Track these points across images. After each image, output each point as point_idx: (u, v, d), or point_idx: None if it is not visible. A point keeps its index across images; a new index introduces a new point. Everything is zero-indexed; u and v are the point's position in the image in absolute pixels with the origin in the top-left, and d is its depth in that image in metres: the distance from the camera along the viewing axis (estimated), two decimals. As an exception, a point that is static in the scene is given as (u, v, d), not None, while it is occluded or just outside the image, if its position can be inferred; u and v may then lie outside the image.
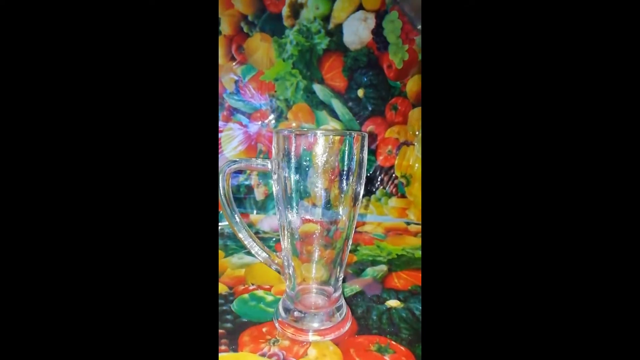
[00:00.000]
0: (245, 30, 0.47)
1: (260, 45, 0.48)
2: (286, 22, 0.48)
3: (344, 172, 0.25)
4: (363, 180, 0.26)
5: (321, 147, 0.24)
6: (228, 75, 0.48)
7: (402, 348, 0.24)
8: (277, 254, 0.28)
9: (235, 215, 0.27)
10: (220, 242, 0.43)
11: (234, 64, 0.48)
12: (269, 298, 0.30)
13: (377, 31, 0.51)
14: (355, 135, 0.24)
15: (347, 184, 0.25)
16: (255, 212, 0.50)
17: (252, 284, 0.33)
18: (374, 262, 0.39)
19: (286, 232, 0.26)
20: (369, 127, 0.53)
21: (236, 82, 0.49)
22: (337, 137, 0.24)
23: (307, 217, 0.26)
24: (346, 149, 0.24)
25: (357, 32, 0.50)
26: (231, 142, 0.49)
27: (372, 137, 0.54)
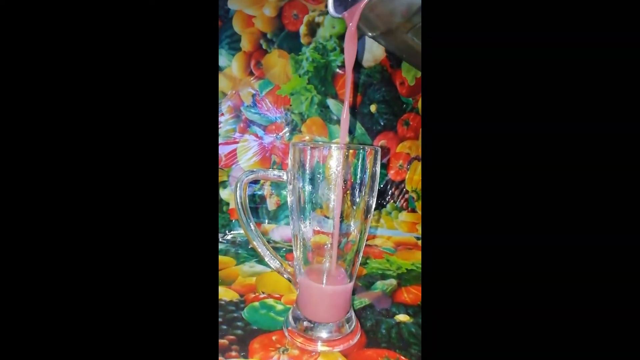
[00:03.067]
0: (264, 47, 0.50)
1: (277, 62, 0.50)
2: (303, 40, 0.50)
3: (357, 185, 0.25)
4: (375, 194, 0.26)
5: (335, 160, 0.25)
6: (246, 89, 0.50)
7: (411, 363, 0.24)
8: (289, 263, 0.29)
9: (251, 224, 0.28)
10: (232, 250, 0.44)
11: (252, 78, 0.50)
12: (279, 307, 0.31)
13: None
14: (369, 149, 0.25)
15: (359, 197, 0.25)
16: (267, 221, 0.51)
17: (263, 293, 0.33)
18: (384, 276, 0.39)
19: (299, 242, 0.27)
20: (381, 141, 0.54)
21: (253, 95, 0.50)
22: (351, 151, 0.25)
23: (319, 228, 0.27)
24: (359, 162, 0.25)
25: (371, 50, 0.52)
26: (246, 153, 0.51)
27: (384, 151, 0.55)
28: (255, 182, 0.51)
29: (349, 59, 0.28)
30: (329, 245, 0.27)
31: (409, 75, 0.53)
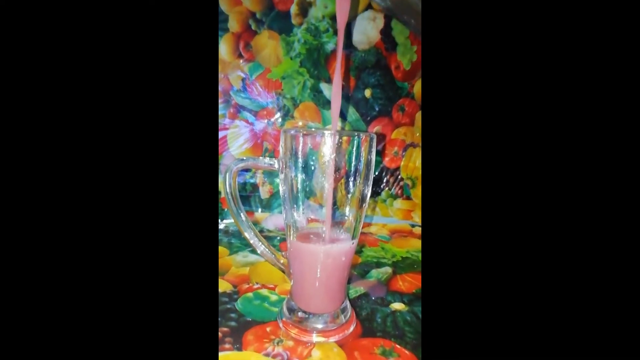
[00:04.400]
0: (253, 27, 0.47)
1: (268, 43, 0.48)
2: (294, 20, 0.48)
3: (351, 173, 0.24)
4: (370, 182, 0.25)
5: (329, 147, 0.24)
6: (235, 73, 0.48)
7: (407, 352, 0.24)
8: (283, 253, 0.28)
9: (241, 214, 0.27)
10: (225, 239, 0.43)
11: (241, 61, 0.48)
12: (273, 297, 0.30)
13: (386, 31, 0.50)
14: (364, 136, 0.24)
15: (353, 185, 0.25)
16: (260, 210, 0.50)
17: (257, 283, 0.33)
18: (379, 264, 0.39)
19: (292, 232, 0.26)
20: (376, 127, 0.53)
21: (243, 79, 0.48)
22: (345, 138, 0.24)
23: (313, 217, 0.26)
24: (354, 150, 0.24)
25: (366, 31, 0.50)
26: (237, 139, 0.49)
27: (380, 137, 0.53)
28: (247, 170, 0.50)
29: (341, 16, 0.26)
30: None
31: (405, 58, 0.52)
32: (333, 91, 0.25)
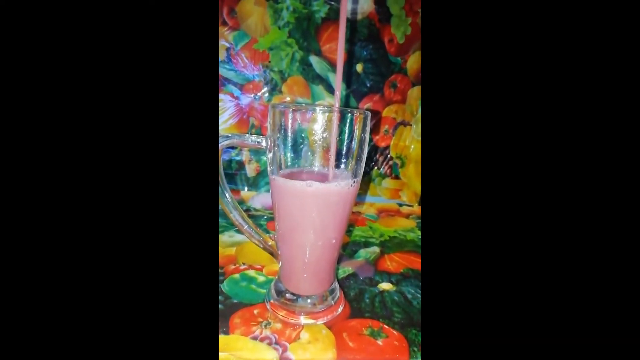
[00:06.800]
0: (238, -9, 0.43)
1: (254, 10, 0.44)
2: (283, -15, 0.44)
3: (343, 153, 0.23)
4: (363, 163, 0.24)
5: (320, 124, 0.22)
6: (219, 42, 0.45)
7: (395, 332, 0.24)
8: (270, 235, 0.27)
9: (226, 194, 0.25)
10: (210, 219, 0.42)
11: (225, 29, 0.44)
12: (261, 279, 0.30)
13: (380, 0, 0.47)
14: (357, 113, 0.23)
15: (345, 165, 0.24)
16: (246, 189, 0.49)
17: (243, 264, 0.32)
18: (367, 244, 0.38)
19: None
20: (367, 104, 0.51)
21: (227, 49, 0.45)
22: (337, 115, 0.22)
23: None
24: (346, 128, 0.23)
25: (359, 1, 0.47)
26: (222, 114, 0.47)
27: (375, 114, 0.52)
28: (232, 147, 0.47)
29: None
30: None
31: (399, 31, 0.49)
32: (338, 64, 0.23)
